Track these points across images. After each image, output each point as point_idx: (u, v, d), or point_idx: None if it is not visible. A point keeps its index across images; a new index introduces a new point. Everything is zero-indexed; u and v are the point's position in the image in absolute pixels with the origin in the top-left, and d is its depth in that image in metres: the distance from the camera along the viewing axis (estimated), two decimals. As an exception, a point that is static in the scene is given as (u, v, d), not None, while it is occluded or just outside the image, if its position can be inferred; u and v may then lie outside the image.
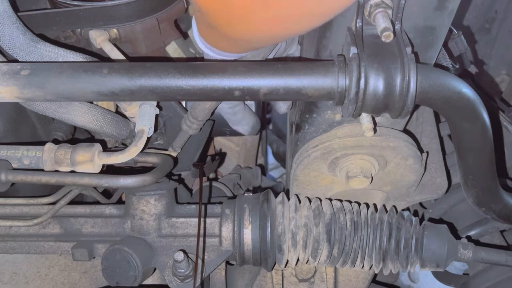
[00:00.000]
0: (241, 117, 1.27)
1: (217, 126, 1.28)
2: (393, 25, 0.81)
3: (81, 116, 1.06)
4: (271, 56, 1.07)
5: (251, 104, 1.37)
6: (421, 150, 1.08)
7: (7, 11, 0.96)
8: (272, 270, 1.15)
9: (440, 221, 1.27)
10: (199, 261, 1.06)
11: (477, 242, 1.16)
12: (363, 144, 1.01)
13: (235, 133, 1.34)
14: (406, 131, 1.08)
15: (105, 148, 1.09)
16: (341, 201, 1.10)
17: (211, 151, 1.72)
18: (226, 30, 0.86)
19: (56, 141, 1.13)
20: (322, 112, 1.01)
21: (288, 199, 1.11)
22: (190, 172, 1.28)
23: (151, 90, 0.83)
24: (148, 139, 1.07)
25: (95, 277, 1.16)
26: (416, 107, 0.99)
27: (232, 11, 0.77)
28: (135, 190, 1.07)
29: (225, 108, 1.23)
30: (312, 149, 1.04)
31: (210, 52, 1.00)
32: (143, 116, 1.04)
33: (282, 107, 1.28)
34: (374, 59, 0.80)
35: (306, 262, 1.10)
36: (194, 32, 1.01)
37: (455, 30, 1.35)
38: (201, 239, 1.07)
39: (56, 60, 1.01)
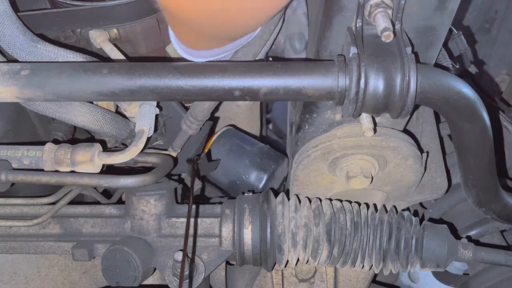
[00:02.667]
0: None
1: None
2: (393, 25, 0.81)
3: (81, 116, 1.06)
4: (261, 55, 1.06)
5: None
6: (421, 150, 1.08)
7: (7, 11, 0.97)
8: (272, 270, 1.15)
9: (440, 221, 1.27)
10: (200, 261, 1.06)
11: (477, 242, 1.16)
12: (363, 144, 1.01)
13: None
14: (406, 131, 1.08)
15: (105, 148, 1.09)
16: (341, 201, 1.10)
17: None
18: (192, 25, 0.86)
19: (56, 141, 1.13)
20: (322, 112, 1.01)
21: (288, 199, 1.11)
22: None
23: (151, 90, 0.83)
24: (148, 139, 1.07)
25: (95, 277, 1.16)
26: (416, 107, 0.99)
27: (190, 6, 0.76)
28: (135, 190, 1.07)
29: None
30: (312, 149, 1.04)
31: (189, 57, 0.99)
32: (143, 116, 1.04)
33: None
34: (374, 59, 0.80)
35: (306, 262, 1.10)
36: (172, 39, 1.00)
37: (455, 30, 1.35)
38: (199, 238, 1.07)
39: (56, 60, 1.01)
